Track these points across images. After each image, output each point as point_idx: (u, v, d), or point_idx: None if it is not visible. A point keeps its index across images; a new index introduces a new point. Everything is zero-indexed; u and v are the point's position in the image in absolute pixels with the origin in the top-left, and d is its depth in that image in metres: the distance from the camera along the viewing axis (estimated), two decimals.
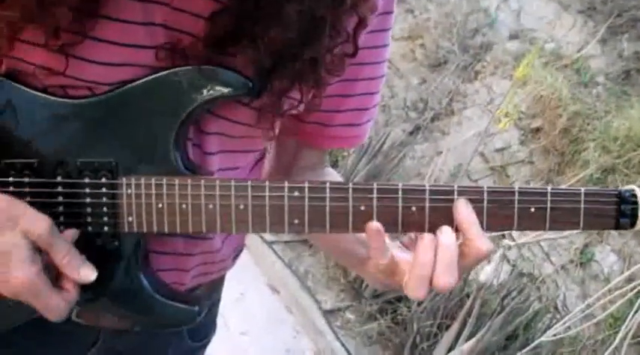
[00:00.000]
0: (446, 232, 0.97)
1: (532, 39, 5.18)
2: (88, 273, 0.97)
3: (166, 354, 1.30)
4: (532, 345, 3.38)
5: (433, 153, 5.12)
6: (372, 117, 1.26)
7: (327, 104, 1.14)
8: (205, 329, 1.37)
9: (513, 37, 5.29)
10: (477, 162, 4.80)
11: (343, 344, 3.70)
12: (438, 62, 5.50)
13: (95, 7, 0.93)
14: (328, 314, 3.90)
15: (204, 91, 0.97)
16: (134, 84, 0.98)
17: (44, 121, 0.99)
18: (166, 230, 0.99)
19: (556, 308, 3.95)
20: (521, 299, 3.65)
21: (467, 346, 3.45)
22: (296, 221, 0.98)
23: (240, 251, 1.32)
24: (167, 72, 0.98)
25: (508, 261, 4.07)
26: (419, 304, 3.81)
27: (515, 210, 0.96)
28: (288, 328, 3.77)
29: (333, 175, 1.33)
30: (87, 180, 0.99)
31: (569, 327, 3.45)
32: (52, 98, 0.98)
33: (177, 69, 0.98)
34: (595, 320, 3.54)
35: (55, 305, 0.95)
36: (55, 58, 0.94)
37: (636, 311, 3.27)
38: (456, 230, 0.97)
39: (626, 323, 3.31)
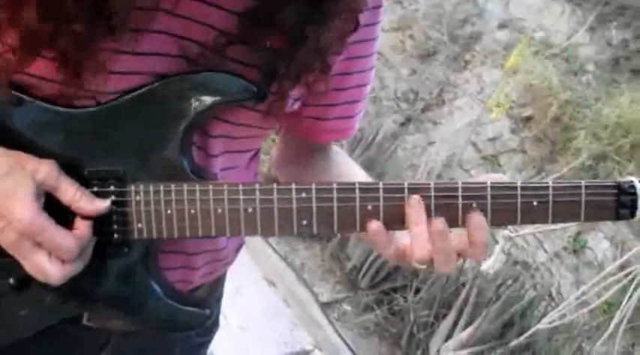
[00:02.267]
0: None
1: (521, 28, 5.20)
2: (101, 203, 0.98)
3: (174, 352, 1.33)
4: (528, 333, 3.42)
5: (425, 144, 5.14)
6: (363, 108, 1.29)
7: (323, 99, 1.17)
8: (210, 325, 1.39)
9: (502, 26, 5.31)
10: (469, 152, 4.82)
11: (341, 336, 3.71)
12: (428, 53, 5.51)
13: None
14: (325, 306, 3.91)
15: (210, 97, 0.99)
16: (140, 91, 0.99)
17: (51, 131, 1.00)
18: (176, 235, 1.00)
19: (550, 295, 3.98)
20: (516, 287, 3.68)
21: (464, 335, 3.48)
22: (304, 222, 0.99)
23: (241, 246, 1.34)
24: (173, 78, 0.99)
25: (502, 250, 4.10)
26: (415, 293, 3.84)
27: (519, 204, 0.97)
28: (285, 321, 3.78)
29: (342, 155, 1.36)
30: (95, 189, 1.00)
31: (564, 315, 3.48)
32: (60, 108, 0.99)
33: (182, 75, 0.99)
34: (590, 307, 3.58)
35: (65, 244, 0.95)
36: (64, 69, 0.95)
37: (630, 297, 3.30)
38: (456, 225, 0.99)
39: (620, 308, 3.34)
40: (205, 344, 1.42)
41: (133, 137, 1.00)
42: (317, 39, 1.03)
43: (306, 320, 3.83)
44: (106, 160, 1.00)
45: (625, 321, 3.35)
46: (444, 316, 3.65)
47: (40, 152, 0.98)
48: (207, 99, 0.99)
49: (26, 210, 0.93)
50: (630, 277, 3.36)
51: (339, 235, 1.05)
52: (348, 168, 1.32)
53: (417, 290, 3.87)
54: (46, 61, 0.95)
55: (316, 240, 4.36)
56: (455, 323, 3.58)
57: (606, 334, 3.49)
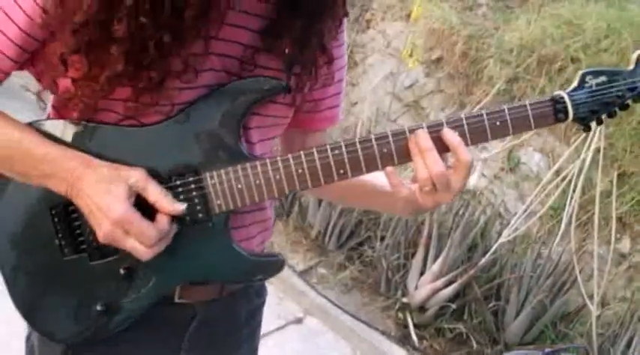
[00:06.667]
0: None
1: None
2: (179, 206, 1.22)
3: (241, 313, 1.58)
4: (491, 251, 3.73)
5: (349, 106, 5.40)
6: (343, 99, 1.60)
7: (315, 95, 1.46)
8: (263, 288, 1.66)
9: None
10: (392, 103, 5.10)
11: (325, 297, 3.97)
12: None
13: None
14: (303, 274, 4.16)
15: (254, 95, 1.27)
16: (201, 101, 1.25)
17: (138, 146, 1.25)
18: (248, 202, 1.27)
19: (500, 215, 4.30)
20: (470, 213, 3.99)
21: (435, 267, 3.78)
22: (341, 171, 1.27)
23: (274, 222, 1.59)
24: (226, 86, 1.27)
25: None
26: (381, 242, 4.12)
27: (487, 125, 1.27)
28: (271, 296, 3.97)
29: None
30: (177, 182, 1.25)
31: (517, 228, 3.79)
32: (138, 128, 1.24)
33: (232, 83, 1.27)
34: (537, 215, 3.90)
35: (148, 233, 1.19)
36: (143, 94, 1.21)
37: (572, 198, 3.62)
38: (447, 151, 1.27)
39: (565, 210, 3.66)
40: (262, 305, 1.67)
41: (200, 136, 1.25)
42: (318, 38, 1.34)
43: (289, 291, 4.07)
44: (182, 159, 1.25)
45: (573, 221, 3.67)
46: (413, 255, 3.95)
47: (131, 163, 1.23)
48: (252, 97, 1.27)
49: (118, 205, 1.18)
50: (567, 180, 3.69)
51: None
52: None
53: (382, 239, 4.15)
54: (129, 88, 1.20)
55: (277, 217, 4.58)
56: (425, 259, 3.88)
57: (558, 236, 3.83)
